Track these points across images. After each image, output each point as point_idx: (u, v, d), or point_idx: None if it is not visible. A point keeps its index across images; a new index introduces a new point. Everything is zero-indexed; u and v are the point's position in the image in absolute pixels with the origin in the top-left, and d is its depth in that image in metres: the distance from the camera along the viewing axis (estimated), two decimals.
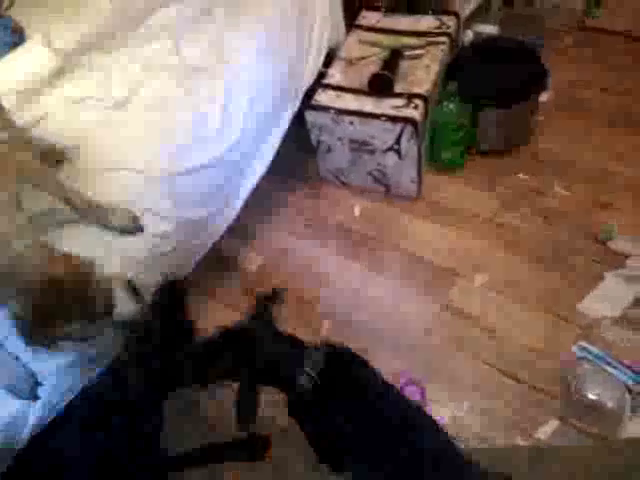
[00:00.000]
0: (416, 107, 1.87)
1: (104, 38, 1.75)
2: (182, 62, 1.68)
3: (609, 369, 1.50)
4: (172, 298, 1.23)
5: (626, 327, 1.57)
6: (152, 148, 1.47)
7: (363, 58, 2.07)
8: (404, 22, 2.18)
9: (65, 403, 1.23)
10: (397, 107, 1.88)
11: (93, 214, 1.31)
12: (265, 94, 1.77)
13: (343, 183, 2.17)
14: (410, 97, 1.90)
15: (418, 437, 1.10)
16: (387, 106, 1.89)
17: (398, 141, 1.90)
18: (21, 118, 1.42)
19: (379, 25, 2.19)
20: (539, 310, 1.71)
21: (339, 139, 2.00)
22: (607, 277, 1.72)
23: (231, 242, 1.95)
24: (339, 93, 1.98)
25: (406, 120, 1.84)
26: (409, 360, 1.66)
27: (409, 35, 2.11)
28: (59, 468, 1.17)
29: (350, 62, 2.08)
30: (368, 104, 1.92)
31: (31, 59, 1.68)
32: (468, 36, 2.40)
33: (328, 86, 2.01)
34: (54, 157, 1.42)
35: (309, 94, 1.99)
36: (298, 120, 1.98)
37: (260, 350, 1.14)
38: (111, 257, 1.30)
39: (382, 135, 1.90)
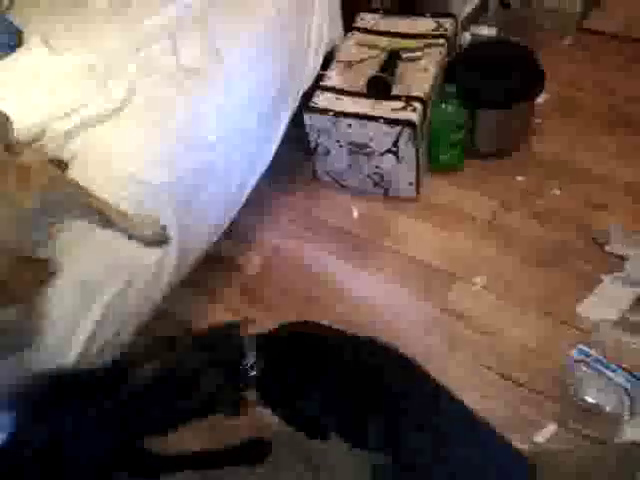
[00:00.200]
0: (414, 110, 1.87)
1: (103, 39, 1.74)
2: (180, 63, 1.67)
3: (608, 372, 1.49)
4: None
5: (625, 330, 1.57)
6: (151, 151, 1.46)
7: (361, 60, 2.07)
8: (402, 24, 2.17)
9: None
10: (395, 110, 1.88)
11: (124, 223, 1.27)
12: (264, 95, 1.76)
13: (341, 185, 2.17)
14: (408, 100, 1.90)
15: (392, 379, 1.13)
16: (385, 109, 1.89)
17: (396, 144, 1.90)
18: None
19: (377, 27, 2.19)
20: (538, 312, 1.71)
21: (337, 142, 2.00)
22: (605, 280, 1.72)
23: (230, 243, 1.95)
24: (337, 95, 1.98)
25: (404, 123, 1.84)
26: None
27: (407, 37, 2.11)
28: None
29: (348, 64, 2.07)
30: (366, 107, 1.91)
31: (31, 59, 1.66)
32: (466, 38, 2.39)
33: (326, 88, 2.01)
34: (60, 166, 1.38)
35: (307, 96, 1.98)
36: (296, 122, 1.97)
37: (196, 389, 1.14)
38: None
39: (380, 138, 1.90)
